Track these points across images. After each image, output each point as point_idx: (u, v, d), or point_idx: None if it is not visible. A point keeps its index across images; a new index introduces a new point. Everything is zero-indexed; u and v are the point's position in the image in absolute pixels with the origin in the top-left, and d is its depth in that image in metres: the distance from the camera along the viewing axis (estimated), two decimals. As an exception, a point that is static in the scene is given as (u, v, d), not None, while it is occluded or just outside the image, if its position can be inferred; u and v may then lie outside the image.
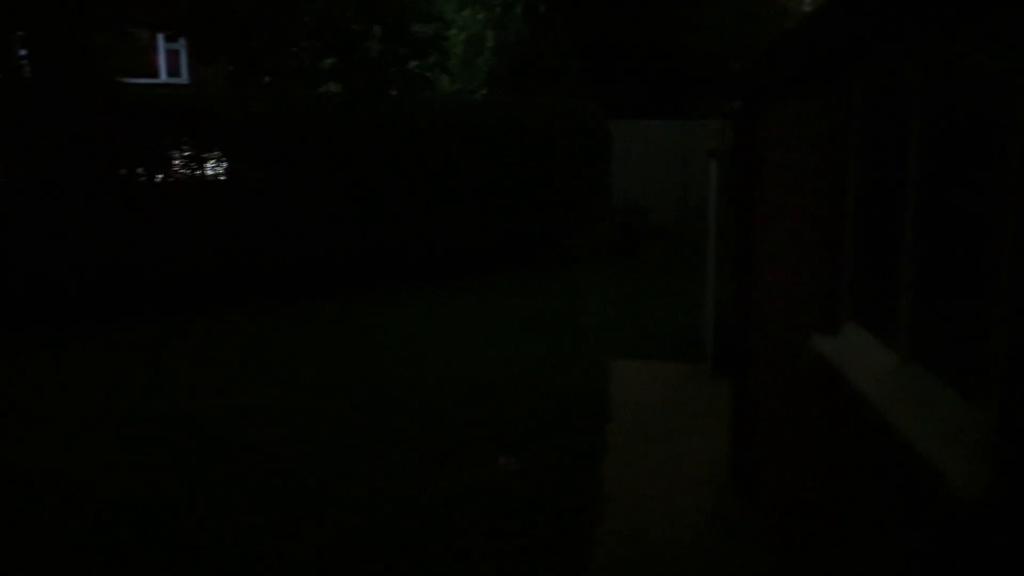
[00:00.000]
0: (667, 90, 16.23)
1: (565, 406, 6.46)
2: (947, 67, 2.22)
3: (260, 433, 5.95)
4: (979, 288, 1.99)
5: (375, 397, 6.71)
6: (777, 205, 4.13)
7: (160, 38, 15.61)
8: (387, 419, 6.20)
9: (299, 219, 10.59)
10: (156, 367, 7.70)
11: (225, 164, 10.67)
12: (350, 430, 5.96)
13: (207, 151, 10.32)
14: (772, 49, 3.79)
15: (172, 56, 16.17)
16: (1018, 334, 1.65)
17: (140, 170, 9.94)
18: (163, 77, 16.08)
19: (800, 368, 3.48)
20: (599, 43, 15.92)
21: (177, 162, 10.16)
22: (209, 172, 10.47)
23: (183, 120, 10.05)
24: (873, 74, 2.85)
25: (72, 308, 9.23)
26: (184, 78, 16.12)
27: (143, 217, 9.76)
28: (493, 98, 14.07)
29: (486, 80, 15.19)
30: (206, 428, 6.07)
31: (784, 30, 4.75)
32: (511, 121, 12.18)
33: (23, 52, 9.97)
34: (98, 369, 7.68)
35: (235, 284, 10.31)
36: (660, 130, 15.52)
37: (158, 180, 10.01)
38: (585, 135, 13.06)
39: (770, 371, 4.29)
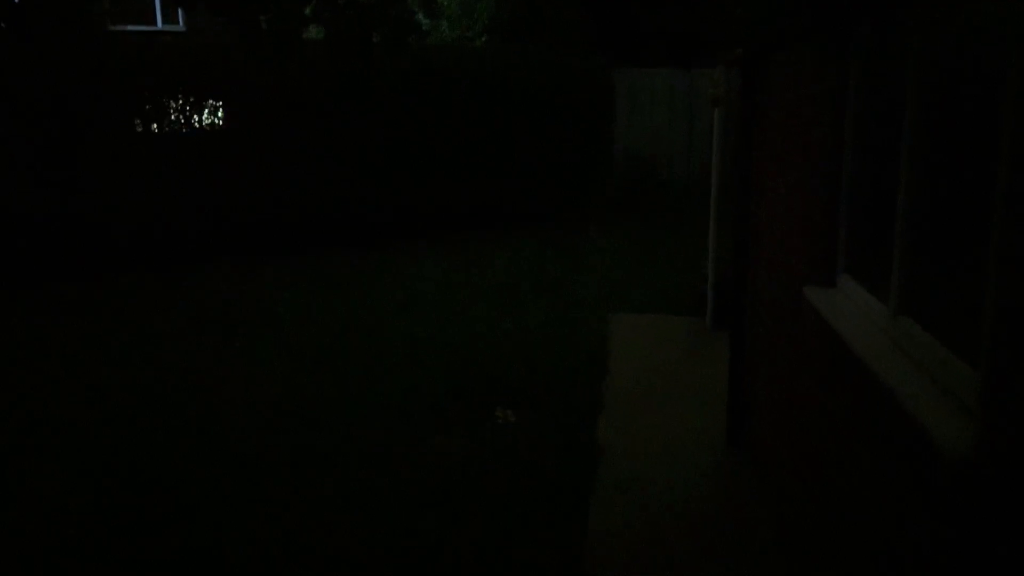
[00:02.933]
0: (676, 37, 15.89)
1: (563, 360, 6.44)
2: (946, 19, 2.12)
3: (260, 392, 5.96)
4: (972, 243, 1.93)
5: (376, 354, 6.69)
6: (778, 156, 4.03)
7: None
8: (387, 375, 6.20)
9: (294, 172, 10.49)
10: (138, 324, 7.70)
11: (222, 115, 10.54)
12: (350, 388, 5.96)
13: (203, 101, 10.19)
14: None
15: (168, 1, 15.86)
16: (1010, 291, 1.59)
17: (137, 121, 9.83)
18: (159, 24, 15.80)
19: (794, 320, 3.43)
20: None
21: (172, 113, 10.03)
22: (205, 123, 10.36)
23: (178, 69, 9.89)
24: (872, 26, 2.74)
25: (67, 262, 9.22)
26: (181, 25, 15.85)
27: (138, 170, 9.68)
28: (488, 46, 13.76)
29: (486, 27, 14.87)
30: (201, 384, 6.08)
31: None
32: (507, 71, 11.91)
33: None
34: (79, 326, 7.69)
35: (229, 238, 10.27)
36: (666, 79, 15.21)
37: (154, 131, 9.90)
38: (587, 86, 12.78)
39: (766, 324, 4.24)
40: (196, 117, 10.19)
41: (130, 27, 13.18)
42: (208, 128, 10.39)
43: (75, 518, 4.19)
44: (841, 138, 2.98)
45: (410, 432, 5.11)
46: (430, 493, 4.36)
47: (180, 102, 10.00)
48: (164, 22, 15.91)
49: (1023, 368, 1.52)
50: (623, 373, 6.12)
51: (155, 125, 9.97)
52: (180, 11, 15.03)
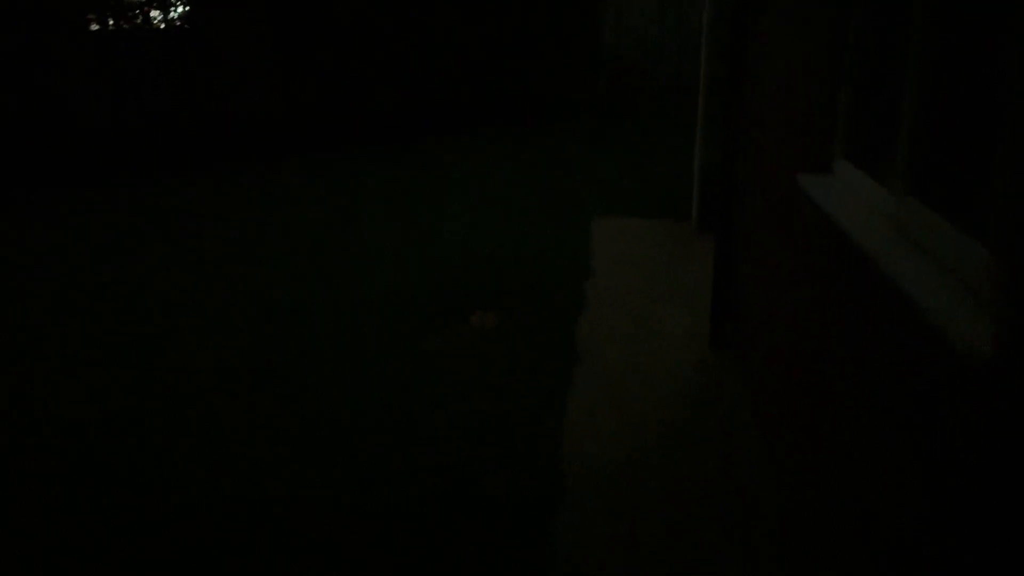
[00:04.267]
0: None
1: (545, 263, 6.20)
2: None
3: (244, 299, 5.71)
4: (984, 117, 1.65)
5: (357, 260, 6.43)
6: (775, 36, 3.69)
7: None
8: (368, 281, 5.95)
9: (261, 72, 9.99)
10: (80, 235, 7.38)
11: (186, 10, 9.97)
12: (326, 295, 5.71)
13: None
14: None
15: None
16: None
17: (91, 16, 9.26)
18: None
19: (786, 212, 3.17)
20: None
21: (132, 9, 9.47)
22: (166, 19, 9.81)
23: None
24: None
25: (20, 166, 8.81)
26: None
27: (93, 68, 9.16)
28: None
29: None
30: (193, 287, 5.83)
31: None
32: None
33: None
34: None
35: (202, 142, 9.84)
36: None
37: (110, 28, 9.35)
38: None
39: (755, 219, 3.98)
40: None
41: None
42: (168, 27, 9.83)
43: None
44: (847, 7, 2.64)
45: (390, 339, 4.90)
46: (407, 399, 4.17)
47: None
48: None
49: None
50: (606, 275, 5.89)
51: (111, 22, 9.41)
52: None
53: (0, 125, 8.80)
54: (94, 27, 9.40)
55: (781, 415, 3.29)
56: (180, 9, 10.03)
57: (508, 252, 6.45)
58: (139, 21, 9.69)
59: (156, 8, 9.87)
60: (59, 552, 3.07)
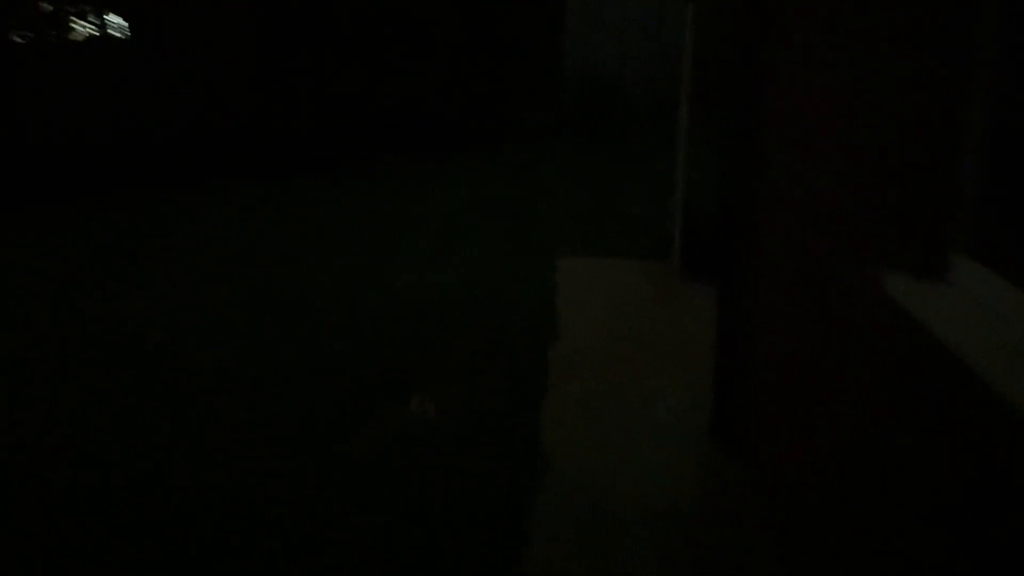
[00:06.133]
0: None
1: (504, 320, 5.19)
2: None
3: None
4: None
5: (287, 312, 5.35)
6: (811, 51, 2.73)
7: None
8: (295, 343, 4.88)
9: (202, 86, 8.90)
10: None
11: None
12: (241, 357, 4.64)
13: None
14: None
15: None
16: None
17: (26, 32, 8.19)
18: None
19: (850, 314, 2.21)
20: None
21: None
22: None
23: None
24: None
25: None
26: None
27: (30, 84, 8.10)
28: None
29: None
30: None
31: None
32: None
33: None
34: None
35: (140, 161, 8.73)
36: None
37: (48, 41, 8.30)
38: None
39: (782, 301, 3.02)
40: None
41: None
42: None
43: None
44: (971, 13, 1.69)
45: (307, 432, 3.85)
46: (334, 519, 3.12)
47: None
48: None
49: None
50: (575, 336, 4.89)
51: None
52: None
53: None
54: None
55: (815, 540, 2.32)
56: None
57: (461, 304, 5.43)
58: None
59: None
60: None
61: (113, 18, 9.21)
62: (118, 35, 9.24)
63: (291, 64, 9.43)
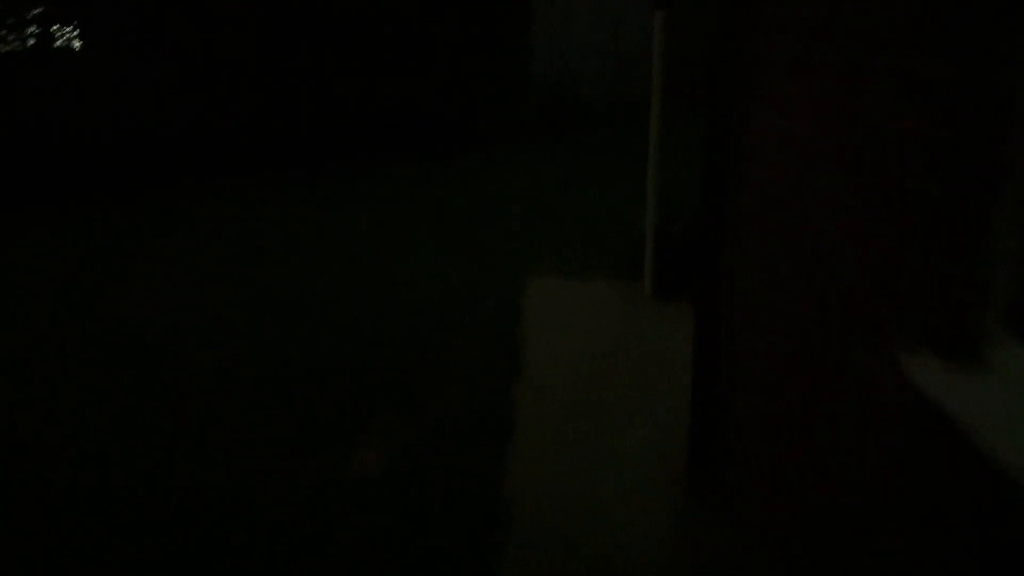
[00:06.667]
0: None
1: (461, 350, 4.84)
2: None
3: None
4: None
5: (217, 339, 4.95)
6: (802, 74, 2.41)
7: None
8: (226, 378, 4.48)
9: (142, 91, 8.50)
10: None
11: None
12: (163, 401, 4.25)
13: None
14: None
15: None
16: None
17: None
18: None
19: (856, 384, 1.88)
20: None
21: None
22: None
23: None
24: None
25: None
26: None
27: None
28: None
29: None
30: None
31: None
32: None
33: None
34: None
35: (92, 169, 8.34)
36: (589, -17, 13.30)
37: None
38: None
39: (771, 349, 2.69)
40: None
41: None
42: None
43: None
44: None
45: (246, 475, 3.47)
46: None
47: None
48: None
49: None
50: (542, 367, 4.55)
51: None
52: None
53: None
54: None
55: None
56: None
57: (415, 332, 5.06)
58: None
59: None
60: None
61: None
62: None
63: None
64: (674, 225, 5.57)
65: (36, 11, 8.51)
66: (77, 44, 9.00)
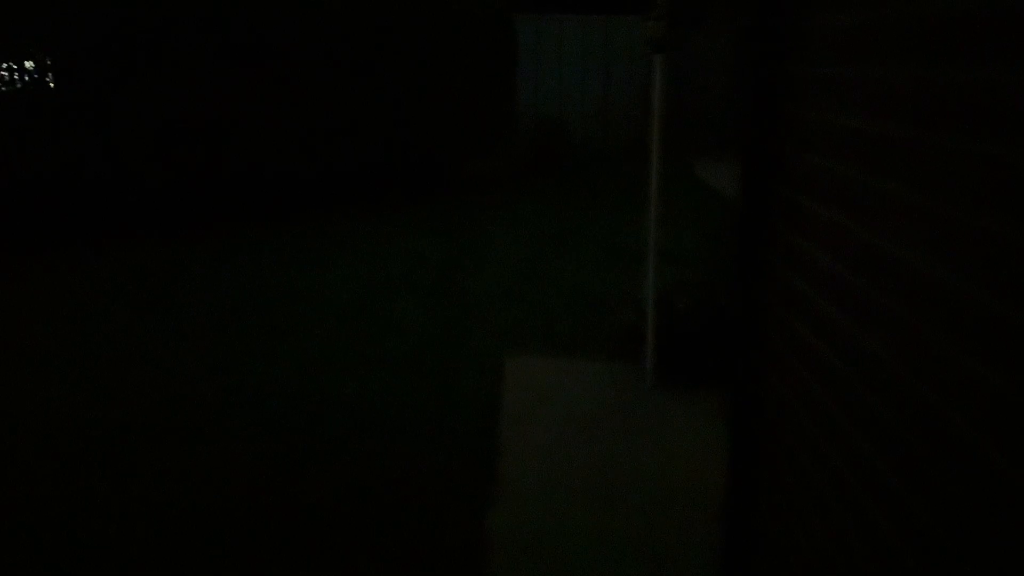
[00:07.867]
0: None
1: (433, 447, 3.92)
2: None
3: None
4: None
5: (148, 434, 4.00)
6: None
7: None
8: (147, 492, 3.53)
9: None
10: None
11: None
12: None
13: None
14: None
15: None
16: None
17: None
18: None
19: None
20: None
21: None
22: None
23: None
24: None
25: None
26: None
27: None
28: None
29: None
30: None
31: None
32: (390, 11, 9.31)
33: None
34: None
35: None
36: (576, 28, 12.82)
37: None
38: (486, 31, 10.22)
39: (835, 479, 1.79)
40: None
41: None
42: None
43: None
44: None
45: None
46: None
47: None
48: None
49: None
50: (520, 488, 3.61)
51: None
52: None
53: None
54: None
55: None
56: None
57: (372, 433, 4.13)
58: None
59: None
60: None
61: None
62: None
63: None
64: (680, 300, 4.72)
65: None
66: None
